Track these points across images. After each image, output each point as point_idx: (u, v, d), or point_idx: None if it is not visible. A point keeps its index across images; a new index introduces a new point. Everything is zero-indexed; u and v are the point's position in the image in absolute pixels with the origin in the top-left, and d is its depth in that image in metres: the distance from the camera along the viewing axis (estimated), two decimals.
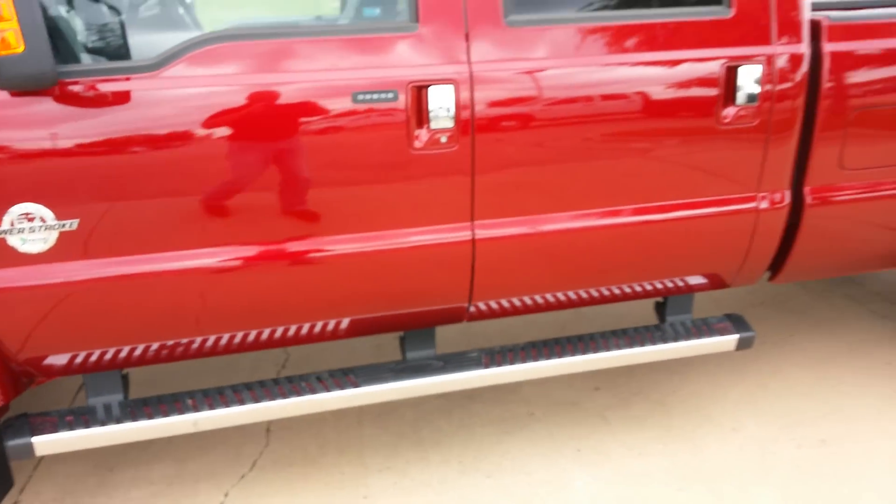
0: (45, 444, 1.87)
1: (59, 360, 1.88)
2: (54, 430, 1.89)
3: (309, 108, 1.77)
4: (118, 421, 1.93)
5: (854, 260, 2.55)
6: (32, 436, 1.86)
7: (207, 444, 2.48)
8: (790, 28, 2.04)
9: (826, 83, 2.12)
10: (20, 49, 1.37)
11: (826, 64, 2.11)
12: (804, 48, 2.05)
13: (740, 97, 2.03)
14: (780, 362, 2.93)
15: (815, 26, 2.10)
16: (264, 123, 1.76)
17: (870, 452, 2.38)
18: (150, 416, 1.94)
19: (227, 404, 1.99)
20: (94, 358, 1.90)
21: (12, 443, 1.85)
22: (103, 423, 1.93)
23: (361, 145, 1.82)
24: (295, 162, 1.80)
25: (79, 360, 1.89)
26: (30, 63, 1.39)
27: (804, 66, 2.07)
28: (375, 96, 1.79)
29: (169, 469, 2.37)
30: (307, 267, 1.88)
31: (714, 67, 1.99)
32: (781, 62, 2.05)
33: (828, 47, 2.10)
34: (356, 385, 2.06)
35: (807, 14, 2.07)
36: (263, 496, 2.24)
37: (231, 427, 2.49)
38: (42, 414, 1.95)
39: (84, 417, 1.94)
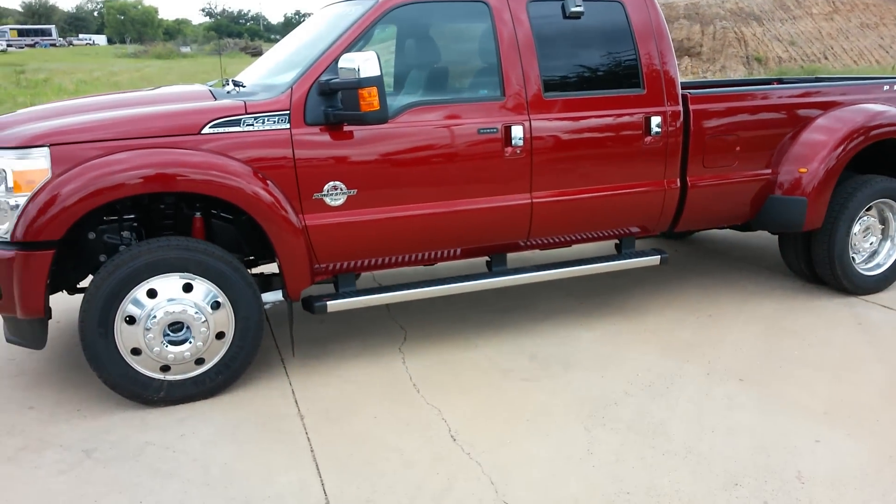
0: (333, 304, 3.69)
1: (339, 265, 3.73)
2: (332, 299, 3.73)
3: (461, 134, 3.77)
4: (362, 294, 3.79)
5: (716, 218, 4.75)
6: (326, 302, 3.69)
7: (370, 332, 4.32)
8: (673, 98, 4.23)
9: (693, 124, 4.32)
10: (378, 107, 3.30)
11: (692, 115, 4.31)
12: (679, 108, 4.24)
13: (652, 132, 4.18)
14: (680, 283, 5.09)
15: (685, 97, 4.30)
16: (440, 142, 3.74)
17: (734, 319, 4.52)
18: (381, 292, 3.82)
19: (416, 287, 3.89)
20: (354, 264, 3.76)
21: (318, 304, 3.67)
22: (362, 295, 3.78)
23: (481, 154, 3.82)
24: (452, 160, 3.77)
25: (348, 265, 3.75)
26: (381, 113, 3.32)
27: (681, 117, 4.25)
28: (488, 130, 3.81)
29: (357, 343, 4.19)
30: (456, 216, 3.83)
31: (640, 117, 4.14)
32: (670, 115, 4.22)
33: (692, 107, 4.31)
34: (484, 278, 4.03)
35: (679, 91, 4.27)
36: (422, 348, 4.11)
37: (380, 323, 4.37)
38: (315, 297, 3.77)
39: (336, 296, 3.78)
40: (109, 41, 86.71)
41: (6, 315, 3.47)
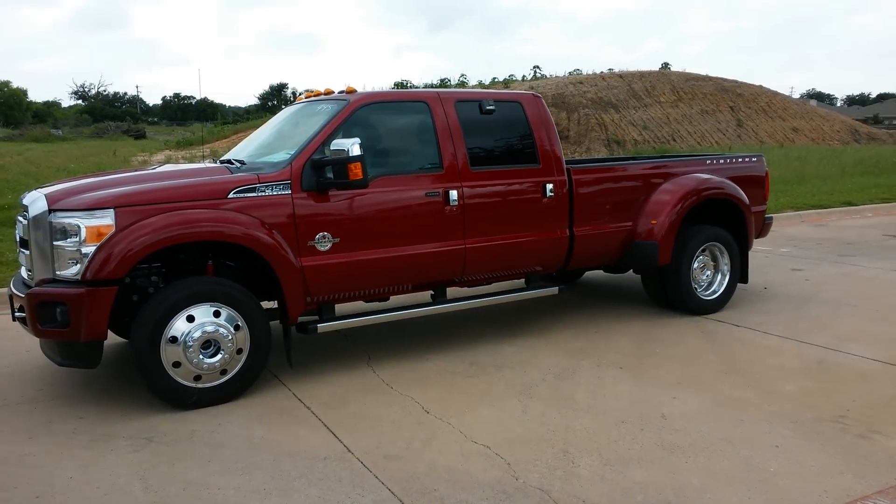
0: (322, 326, 4.85)
1: (323, 298, 4.88)
2: (320, 322, 4.86)
3: (414, 196, 5.11)
4: (341, 320, 4.95)
5: (596, 258, 6.32)
6: (317, 324, 4.83)
7: (340, 355, 5.43)
8: (560, 170, 5.82)
9: (575, 189, 5.90)
10: (361, 177, 4.57)
11: (574, 183, 5.90)
12: (565, 177, 5.83)
13: (547, 195, 5.71)
14: (573, 310, 6.58)
15: (569, 170, 5.90)
16: (399, 202, 5.06)
17: (613, 332, 6.02)
18: (357, 316, 5.01)
19: (382, 313, 5.12)
20: (334, 297, 4.93)
21: (311, 326, 4.80)
22: (341, 320, 4.94)
23: (428, 211, 5.17)
24: (408, 215, 5.09)
25: (330, 297, 4.91)
26: (363, 181, 4.58)
27: (567, 184, 5.83)
28: (432, 193, 5.18)
29: (333, 362, 5.29)
30: (412, 258, 5.11)
31: (538, 184, 5.67)
32: (558, 182, 5.78)
33: (574, 177, 5.91)
34: (430, 305, 5.29)
35: (564, 165, 5.86)
36: (385, 362, 5.27)
37: (345, 349, 5.51)
38: (307, 321, 4.89)
39: (322, 321, 4.92)
40: None
41: (62, 342, 4.35)
